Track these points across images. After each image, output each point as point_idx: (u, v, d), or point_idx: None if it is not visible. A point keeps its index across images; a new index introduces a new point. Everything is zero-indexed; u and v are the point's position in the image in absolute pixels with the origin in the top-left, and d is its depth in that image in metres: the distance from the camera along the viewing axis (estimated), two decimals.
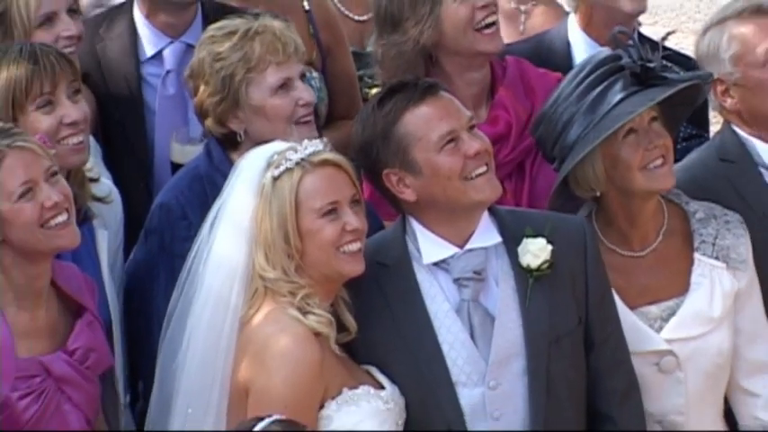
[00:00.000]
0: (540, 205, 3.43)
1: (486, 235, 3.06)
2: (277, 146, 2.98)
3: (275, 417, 2.66)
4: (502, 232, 3.09)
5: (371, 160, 3.05)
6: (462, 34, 3.54)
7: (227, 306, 2.93)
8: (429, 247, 3.04)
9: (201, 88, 3.34)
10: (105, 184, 3.45)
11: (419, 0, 3.62)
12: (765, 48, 3.38)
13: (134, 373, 3.37)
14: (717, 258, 3.21)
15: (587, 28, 3.99)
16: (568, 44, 4.03)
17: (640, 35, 3.77)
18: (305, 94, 3.41)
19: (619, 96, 3.13)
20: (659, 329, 3.16)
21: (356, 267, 2.95)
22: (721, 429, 3.29)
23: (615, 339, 3.12)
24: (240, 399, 2.94)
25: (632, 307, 3.18)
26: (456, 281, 3.01)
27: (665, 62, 3.28)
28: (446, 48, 3.60)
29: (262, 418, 2.60)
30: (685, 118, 3.50)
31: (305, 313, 2.90)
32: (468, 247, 3.03)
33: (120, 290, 3.37)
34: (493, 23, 3.54)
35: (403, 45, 3.63)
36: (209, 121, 3.34)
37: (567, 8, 4.14)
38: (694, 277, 3.19)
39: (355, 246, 2.92)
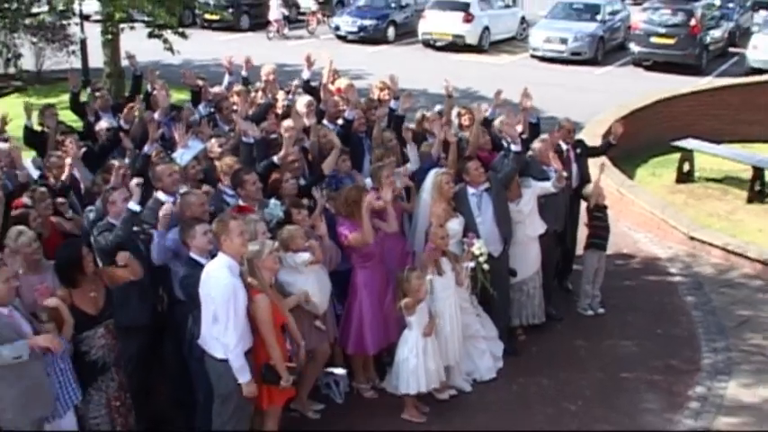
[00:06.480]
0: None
1: (485, 185, 10.06)
2: (436, 171, 10.20)
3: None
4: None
5: (460, 171, 10.41)
6: None
7: (427, 207, 9.75)
8: (470, 189, 9.91)
9: None
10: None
11: None
12: (539, 148, 11.00)
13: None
14: (525, 187, 10.52)
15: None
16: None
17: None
18: None
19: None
20: (516, 205, 10.51)
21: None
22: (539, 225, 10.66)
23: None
24: None
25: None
26: (477, 196, 9.82)
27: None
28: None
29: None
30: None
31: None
32: (480, 188, 10.05)
33: None
34: None
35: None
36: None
37: None
38: (523, 192, 10.48)
39: (451, 191, 10.27)
